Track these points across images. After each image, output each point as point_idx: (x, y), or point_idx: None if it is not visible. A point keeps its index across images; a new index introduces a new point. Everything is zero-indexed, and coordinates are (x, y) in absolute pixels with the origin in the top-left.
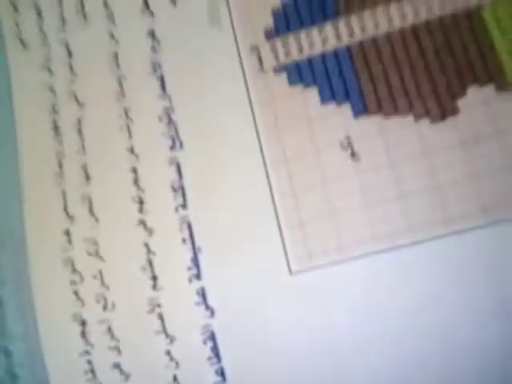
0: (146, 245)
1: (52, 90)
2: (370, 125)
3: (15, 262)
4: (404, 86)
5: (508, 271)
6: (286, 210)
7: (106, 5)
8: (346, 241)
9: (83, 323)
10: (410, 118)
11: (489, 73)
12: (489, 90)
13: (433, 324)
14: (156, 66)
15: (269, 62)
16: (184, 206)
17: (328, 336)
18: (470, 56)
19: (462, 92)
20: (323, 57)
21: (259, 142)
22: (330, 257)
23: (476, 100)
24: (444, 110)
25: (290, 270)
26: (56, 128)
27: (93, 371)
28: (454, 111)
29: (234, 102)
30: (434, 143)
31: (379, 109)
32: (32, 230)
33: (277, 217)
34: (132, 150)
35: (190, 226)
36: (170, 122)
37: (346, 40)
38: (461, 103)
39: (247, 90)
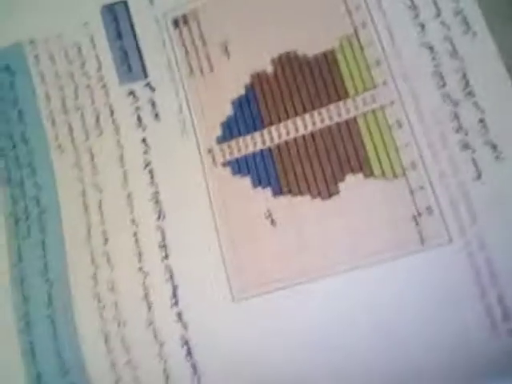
0: (144, 283)
1: (81, 180)
2: (284, 201)
3: (62, 295)
4: (305, 174)
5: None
6: (229, 258)
7: (113, 121)
8: (265, 279)
9: (106, 335)
10: (308, 196)
11: (360, 164)
12: (360, 176)
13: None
14: (148, 163)
15: (219, 158)
16: (166, 257)
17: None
18: (348, 152)
19: (342, 178)
20: (253, 155)
21: (213, 212)
22: (258, 290)
23: (351, 184)
24: (330, 191)
25: (233, 298)
26: (85, 206)
27: (114, 365)
28: (337, 191)
29: (197, 186)
30: (324, 213)
31: (289, 190)
32: (72, 274)
33: (223, 262)
34: (133, 221)
35: (170, 270)
36: (157, 201)
37: (268, 143)
38: (341, 186)
39: (205, 179)
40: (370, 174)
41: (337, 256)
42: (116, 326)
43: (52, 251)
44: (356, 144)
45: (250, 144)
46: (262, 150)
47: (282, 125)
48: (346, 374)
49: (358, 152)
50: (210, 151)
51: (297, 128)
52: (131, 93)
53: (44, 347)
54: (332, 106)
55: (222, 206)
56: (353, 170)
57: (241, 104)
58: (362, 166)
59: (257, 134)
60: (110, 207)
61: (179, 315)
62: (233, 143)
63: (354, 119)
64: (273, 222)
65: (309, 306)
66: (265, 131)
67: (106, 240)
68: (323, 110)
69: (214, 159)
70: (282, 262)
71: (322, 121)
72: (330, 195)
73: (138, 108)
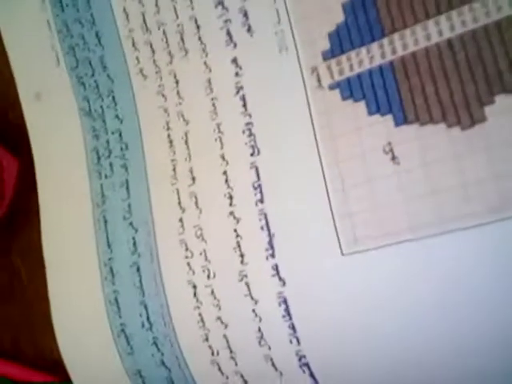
0: (235, 230)
1: (166, 110)
2: (409, 132)
3: (147, 241)
4: (439, 96)
5: None
6: (338, 203)
7: (200, 39)
8: (385, 230)
9: (194, 287)
10: (442, 125)
11: None
12: None
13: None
14: (239, 88)
15: (326, 79)
16: (262, 201)
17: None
18: (499, 66)
19: (491, 100)
20: (370, 73)
21: (317, 146)
22: (373, 243)
23: (503, 108)
24: (473, 118)
25: (341, 251)
26: (170, 141)
27: (203, 321)
28: (483, 118)
29: (298, 114)
30: (463, 147)
31: (416, 118)
32: (157, 218)
33: (330, 208)
34: (223, 157)
35: (266, 217)
36: (251, 134)
37: (389, 56)
38: (489, 110)
39: (308, 105)
40: None
41: (478, 203)
42: (205, 277)
43: (136, 192)
44: (511, 54)
45: (365, 59)
46: (381, 66)
47: (408, 31)
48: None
49: None
50: (314, 70)
51: (428, 35)
52: (219, 3)
53: (128, 297)
54: (477, 4)
55: (328, 139)
56: (505, 90)
57: (354, 7)
58: None
59: (375, 46)
60: (197, 141)
61: (276, 269)
62: (343, 59)
63: (509, 20)
64: (394, 159)
65: (440, 263)
66: (385, 41)
67: (193, 179)
68: (465, 9)
69: (319, 80)
70: (405, 207)
71: (464, 24)
72: (473, 123)
73: (227, 21)
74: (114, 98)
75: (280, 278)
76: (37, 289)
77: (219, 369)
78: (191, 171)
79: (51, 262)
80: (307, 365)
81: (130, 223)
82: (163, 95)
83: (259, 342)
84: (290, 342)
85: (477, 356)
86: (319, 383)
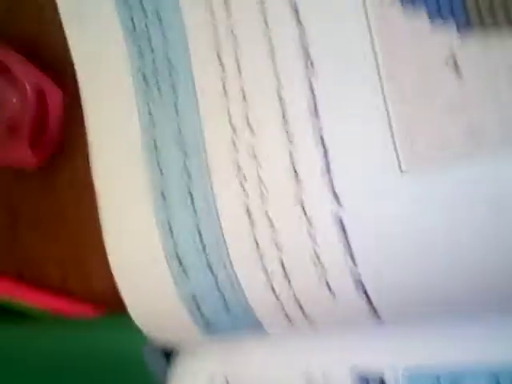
0: (289, 149)
1: (214, 26)
2: (474, 42)
3: (199, 164)
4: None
5: None
6: (397, 118)
7: None
8: (446, 147)
9: (248, 209)
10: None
11: None
12: None
13: None
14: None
15: None
16: (316, 116)
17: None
18: None
19: None
20: None
21: (376, 59)
22: (433, 161)
23: None
24: None
25: (400, 168)
26: (219, 59)
27: (257, 244)
28: None
29: (355, 25)
30: None
31: (482, 25)
32: (209, 140)
33: (390, 123)
34: (276, 75)
35: (321, 133)
36: (304, 47)
37: None
38: None
39: (366, 14)
40: None
41: None
42: (259, 199)
43: (186, 114)
44: None
45: None
46: None
47: None
48: None
49: None
50: None
51: None
52: None
53: (181, 221)
54: None
55: (388, 52)
56: None
57: None
58: None
59: None
60: (248, 59)
61: (332, 188)
62: None
63: None
64: (457, 70)
65: (506, 185)
66: None
67: (244, 98)
68: None
69: None
70: (468, 124)
71: None
72: None
73: None
74: (159, 14)
75: (335, 197)
76: (84, 223)
77: (274, 293)
78: (242, 91)
79: (103, 192)
80: (362, 285)
81: (181, 146)
82: (211, 11)
83: (314, 263)
84: (346, 261)
85: None
86: (373, 303)
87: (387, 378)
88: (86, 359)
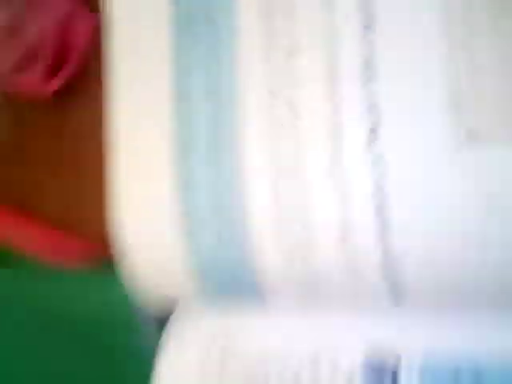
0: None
1: None
2: None
3: (230, 119)
4: None
5: None
6: (455, 91)
7: None
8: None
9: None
10: None
11: None
12: None
13: None
14: None
15: None
16: (371, 80)
17: None
18: None
19: None
20: None
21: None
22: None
23: None
24: None
25: (459, 141)
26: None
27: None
28: None
29: None
30: None
31: None
32: (244, 91)
33: (455, 94)
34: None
35: (374, 99)
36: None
37: None
38: None
39: None
40: None
41: None
42: (292, 163)
43: (224, 65)
44: None
45: None
46: None
47: None
48: None
49: None
50: None
51: None
52: None
53: (202, 179)
54: None
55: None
56: None
57: None
58: None
59: None
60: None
61: (377, 155)
62: None
63: None
64: None
65: None
66: None
67: (290, 51)
68: None
69: None
70: None
71: None
72: None
73: None
74: None
75: (379, 167)
76: (90, 164)
77: (290, 264)
78: (290, 40)
79: (119, 134)
80: (391, 261)
81: (214, 97)
82: None
83: (342, 238)
84: (378, 238)
85: None
86: (399, 283)
87: (402, 368)
88: (77, 317)
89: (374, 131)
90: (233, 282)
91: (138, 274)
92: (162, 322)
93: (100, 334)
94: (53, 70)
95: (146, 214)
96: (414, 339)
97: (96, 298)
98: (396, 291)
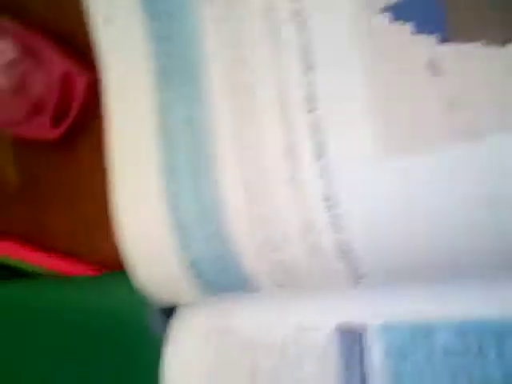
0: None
1: None
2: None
3: (205, 150)
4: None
5: None
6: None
7: None
8: (421, 137)
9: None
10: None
11: None
12: None
13: None
14: None
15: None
16: (311, 110)
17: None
18: None
19: None
20: None
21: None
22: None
23: None
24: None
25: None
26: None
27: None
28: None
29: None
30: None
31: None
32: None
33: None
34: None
35: (317, 124)
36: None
37: None
38: None
39: (358, 27)
40: None
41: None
42: (258, 175)
43: (196, 103)
44: None
45: None
46: None
47: None
48: None
49: None
50: None
51: None
52: None
53: (187, 196)
54: None
55: (375, 53)
56: None
57: None
58: None
59: None
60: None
61: (324, 166)
62: None
63: None
64: (435, 73)
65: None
66: None
67: (246, 92)
68: None
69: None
70: (442, 117)
71: None
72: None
73: None
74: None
75: (325, 178)
76: (96, 196)
77: (265, 260)
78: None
79: (117, 166)
80: (346, 247)
81: (191, 130)
82: None
83: (305, 235)
84: (331, 226)
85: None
86: (357, 265)
87: (367, 331)
88: (86, 316)
89: (320, 147)
90: (222, 273)
91: (143, 286)
92: (168, 311)
93: (111, 329)
94: (56, 121)
95: (143, 228)
96: (376, 310)
97: (105, 296)
98: (355, 273)
